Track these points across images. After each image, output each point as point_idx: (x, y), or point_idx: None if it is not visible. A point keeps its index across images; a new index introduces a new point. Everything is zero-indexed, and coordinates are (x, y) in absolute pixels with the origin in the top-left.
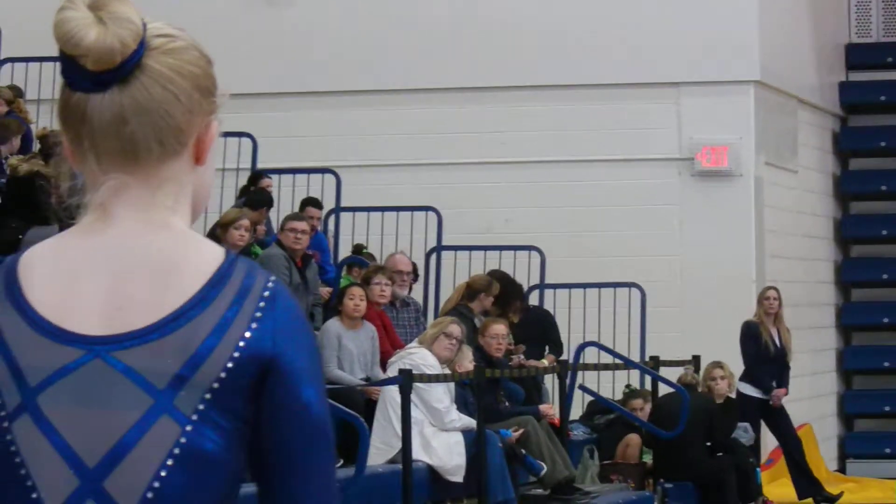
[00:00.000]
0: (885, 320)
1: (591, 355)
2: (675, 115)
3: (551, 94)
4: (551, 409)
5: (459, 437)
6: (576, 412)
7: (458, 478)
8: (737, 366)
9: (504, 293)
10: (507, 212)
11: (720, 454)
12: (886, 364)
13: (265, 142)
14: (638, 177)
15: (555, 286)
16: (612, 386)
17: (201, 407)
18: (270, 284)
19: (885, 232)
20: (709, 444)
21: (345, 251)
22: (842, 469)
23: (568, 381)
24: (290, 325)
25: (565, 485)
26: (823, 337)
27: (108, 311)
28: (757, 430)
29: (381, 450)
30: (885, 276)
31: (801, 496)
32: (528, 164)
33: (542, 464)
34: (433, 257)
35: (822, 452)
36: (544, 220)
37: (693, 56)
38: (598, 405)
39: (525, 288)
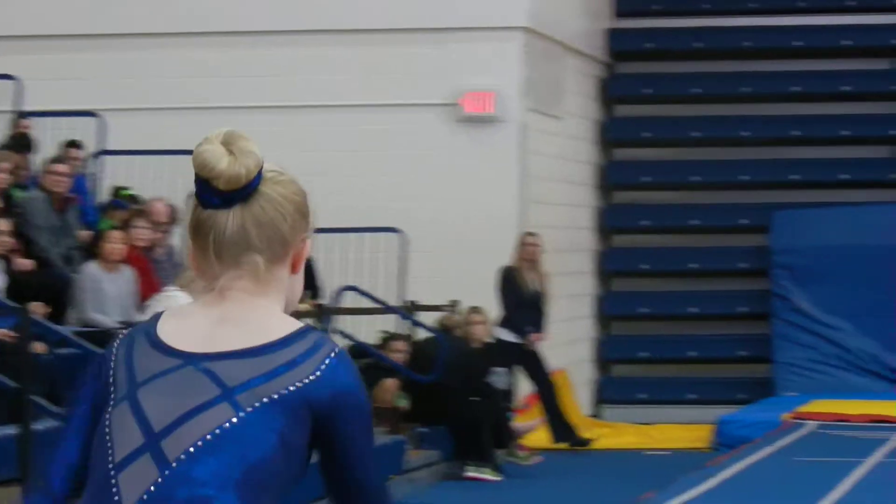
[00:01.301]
0: (645, 267)
1: (352, 300)
2: (443, 60)
3: (317, 39)
4: None
5: None
6: None
7: None
8: (497, 310)
9: None
10: (272, 156)
11: (475, 399)
12: (644, 310)
13: (33, 84)
14: (403, 122)
15: (316, 231)
16: (372, 330)
17: (258, 405)
18: (337, 350)
19: (647, 179)
20: (465, 388)
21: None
22: (597, 414)
23: (327, 325)
24: (348, 395)
25: None
26: (582, 283)
27: (207, 341)
28: (512, 374)
29: None
30: (645, 223)
31: (555, 440)
32: (291, 109)
33: None
34: None
35: (578, 398)
36: (308, 163)
37: (461, 2)
38: (357, 350)
39: None
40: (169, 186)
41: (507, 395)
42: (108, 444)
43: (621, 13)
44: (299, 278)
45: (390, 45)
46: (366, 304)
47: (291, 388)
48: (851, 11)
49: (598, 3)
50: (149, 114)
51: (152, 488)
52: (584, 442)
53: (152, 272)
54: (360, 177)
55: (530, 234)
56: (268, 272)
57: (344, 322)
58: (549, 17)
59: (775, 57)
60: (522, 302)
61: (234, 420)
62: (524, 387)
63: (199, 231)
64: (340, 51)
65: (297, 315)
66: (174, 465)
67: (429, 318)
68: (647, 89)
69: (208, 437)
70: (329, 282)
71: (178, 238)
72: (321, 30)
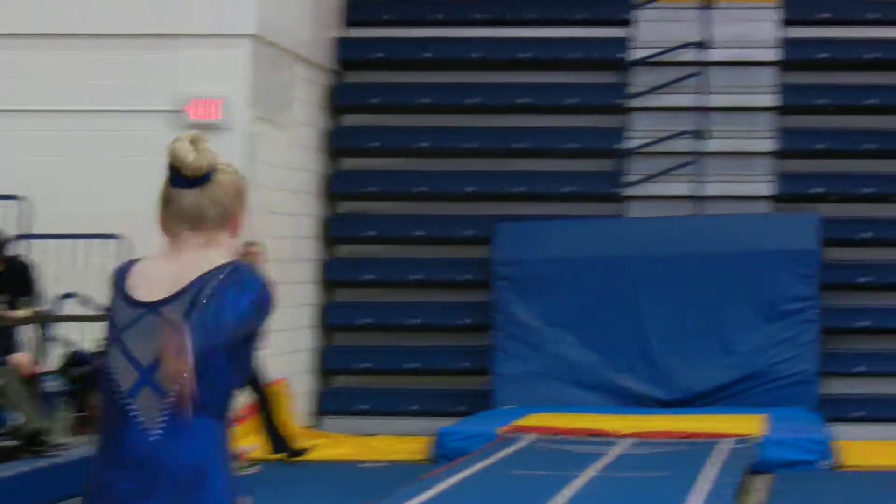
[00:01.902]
0: (369, 277)
1: (73, 307)
2: (171, 66)
3: (44, 43)
4: (26, 359)
5: None
6: (53, 363)
7: None
8: None
9: None
10: (6, 160)
11: None
12: (367, 321)
13: None
14: (130, 128)
15: (40, 236)
16: (92, 338)
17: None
18: (236, 265)
19: (373, 189)
20: None
21: None
22: (318, 425)
23: (46, 332)
24: (235, 279)
25: (36, 437)
26: (304, 292)
27: (159, 290)
28: None
29: None
30: (370, 233)
31: (272, 451)
32: (16, 113)
33: (14, 415)
34: None
35: (299, 408)
36: (32, 169)
37: (189, 8)
38: (76, 357)
39: (8, 237)
40: None
41: None
42: (114, 378)
43: (350, 22)
44: (234, 239)
45: (117, 51)
46: (87, 311)
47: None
48: (579, 24)
49: (326, 12)
50: None
51: (165, 411)
52: (300, 452)
53: None
54: (85, 183)
55: (252, 242)
56: (214, 234)
57: (64, 329)
58: (278, 25)
59: (503, 69)
60: None
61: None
62: (242, 397)
63: (168, 203)
64: (67, 55)
65: (18, 321)
66: (171, 394)
67: None
68: (375, 99)
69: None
70: (50, 288)
71: None
72: (47, 33)
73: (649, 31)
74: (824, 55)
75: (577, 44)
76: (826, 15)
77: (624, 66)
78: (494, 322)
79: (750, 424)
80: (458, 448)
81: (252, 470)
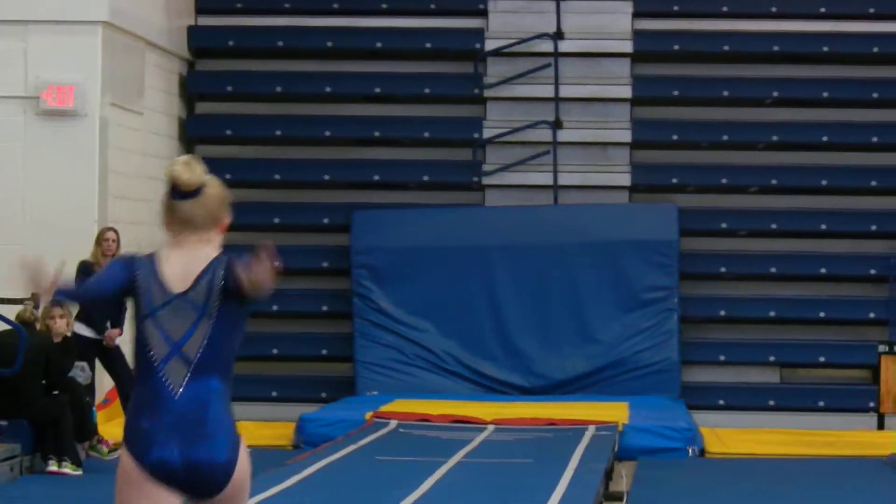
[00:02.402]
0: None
1: None
2: (23, 53)
3: None
4: None
5: None
6: None
7: None
8: (75, 305)
9: None
10: None
11: (56, 393)
12: (275, 308)
13: None
14: None
15: None
16: None
17: (216, 310)
18: (224, 256)
19: (228, 175)
20: (45, 382)
21: None
22: None
23: None
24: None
25: None
26: None
27: (183, 281)
28: (93, 369)
29: None
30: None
31: None
32: None
33: None
34: None
35: None
36: None
37: None
38: None
39: None
40: None
41: (89, 389)
42: (148, 348)
43: (203, 10)
44: (221, 236)
45: None
46: None
47: (219, 288)
48: (433, 14)
49: (180, 0)
50: None
51: (188, 376)
52: None
53: None
54: None
55: (109, 228)
56: (207, 233)
57: None
58: (129, 12)
59: (357, 58)
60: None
61: (212, 326)
62: (106, 381)
63: (170, 211)
64: None
65: None
66: (194, 362)
67: (9, 311)
68: (228, 87)
69: (204, 342)
70: None
71: None
72: None
73: (504, 22)
74: (677, 47)
75: (432, 34)
76: (678, 7)
77: (479, 57)
78: (354, 309)
79: (612, 412)
80: (321, 434)
81: (114, 455)
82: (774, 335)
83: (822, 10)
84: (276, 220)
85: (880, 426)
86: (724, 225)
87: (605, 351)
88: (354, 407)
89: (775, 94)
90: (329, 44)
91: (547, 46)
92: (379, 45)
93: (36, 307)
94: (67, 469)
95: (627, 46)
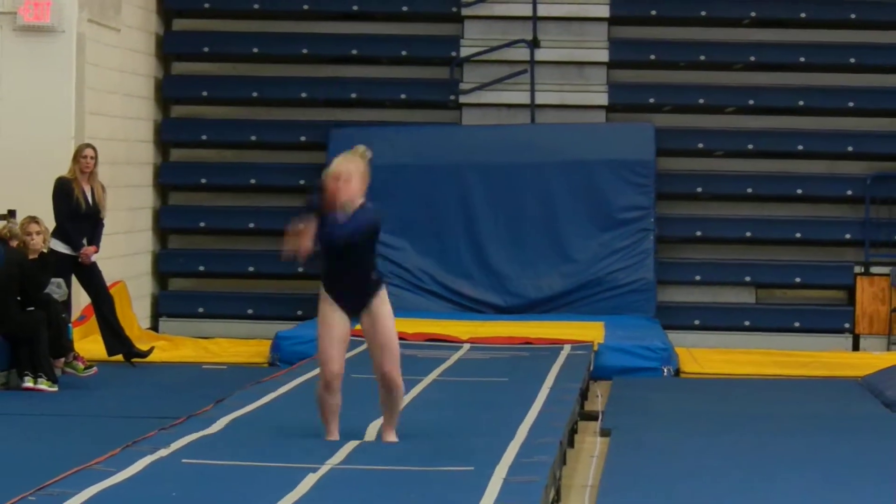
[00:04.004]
0: (203, 181)
1: None
2: None
3: None
4: None
5: None
6: None
7: None
8: (52, 221)
9: None
10: None
11: (32, 309)
12: (202, 224)
13: None
14: None
15: None
16: None
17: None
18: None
19: (205, 93)
20: (21, 298)
21: None
22: (154, 327)
23: None
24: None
25: None
26: (140, 196)
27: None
28: (69, 286)
29: None
30: (204, 137)
31: (110, 353)
32: None
33: None
34: None
35: (137, 310)
36: None
37: None
38: None
39: None
40: None
41: (65, 306)
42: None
43: None
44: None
45: None
46: None
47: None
48: None
49: None
50: None
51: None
52: (142, 354)
53: None
54: None
55: (87, 145)
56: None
57: None
58: None
59: None
60: (77, 214)
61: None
62: (83, 298)
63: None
64: None
65: None
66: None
67: None
68: (206, 3)
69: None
70: None
71: None
72: None
73: None
74: None
75: None
76: None
77: None
78: None
79: (588, 331)
80: (297, 352)
81: (90, 371)
82: (750, 256)
83: None
84: (253, 138)
85: (855, 347)
86: (700, 145)
87: (581, 270)
88: None
89: (752, 14)
90: None
91: None
92: None
93: (11, 223)
94: (43, 385)
95: None
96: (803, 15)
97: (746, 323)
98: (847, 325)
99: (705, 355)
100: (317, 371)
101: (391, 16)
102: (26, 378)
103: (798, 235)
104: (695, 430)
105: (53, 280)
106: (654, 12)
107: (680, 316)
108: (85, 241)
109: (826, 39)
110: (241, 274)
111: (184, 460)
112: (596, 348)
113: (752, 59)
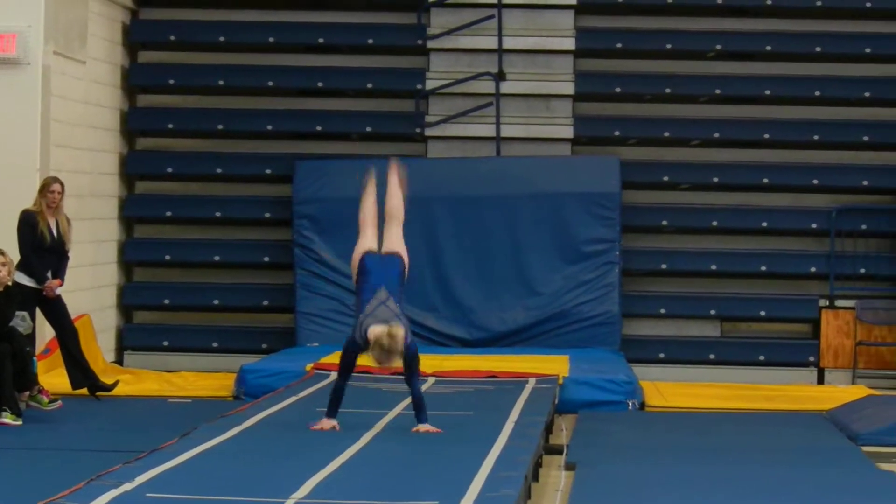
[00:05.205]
0: (168, 214)
1: None
2: None
3: None
4: None
5: None
6: None
7: None
8: (17, 254)
9: None
10: None
11: None
12: (167, 257)
13: None
14: None
15: None
16: None
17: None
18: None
19: (170, 125)
20: None
21: None
22: (119, 361)
23: None
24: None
25: None
26: (106, 228)
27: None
28: (34, 319)
29: None
30: (169, 170)
31: (74, 387)
32: None
33: None
34: None
35: (102, 343)
36: None
37: None
38: None
39: None
40: None
41: (30, 339)
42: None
43: None
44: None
45: None
46: None
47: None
48: None
49: None
50: None
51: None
52: (107, 387)
53: None
54: None
55: (54, 179)
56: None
57: None
58: None
59: (301, 7)
60: (42, 247)
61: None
62: (47, 331)
63: None
64: None
65: None
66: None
67: None
68: (172, 35)
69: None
70: None
71: None
72: None
73: None
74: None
75: None
76: None
77: (422, 7)
78: (295, 260)
79: (553, 365)
80: (262, 385)
81: (55, 405)
82: (715, 289)
83: None
84: (219, 171)
85: (820, 381)
86: (665, 178)
87: (547, 303)
88: (295, 358)
89: (718, 46)
90: None
91: None
92: None
93: None
94: (7, 419)
95: None
96: (768, 48)
97: (711, 356)
98: (812, 359)
99: (670, 389)
100: (283, 404)
101: (356, 48)
102: None
103: (763, 268)
104: (660, 464)
105: (18, 313)
106: (619, 45)
107: (645, 349)
108: (49, 275)
109: (791, 72)
110: (206, 307)
111: (148, 494)
112: (561, 382)
113: (718, 91)
